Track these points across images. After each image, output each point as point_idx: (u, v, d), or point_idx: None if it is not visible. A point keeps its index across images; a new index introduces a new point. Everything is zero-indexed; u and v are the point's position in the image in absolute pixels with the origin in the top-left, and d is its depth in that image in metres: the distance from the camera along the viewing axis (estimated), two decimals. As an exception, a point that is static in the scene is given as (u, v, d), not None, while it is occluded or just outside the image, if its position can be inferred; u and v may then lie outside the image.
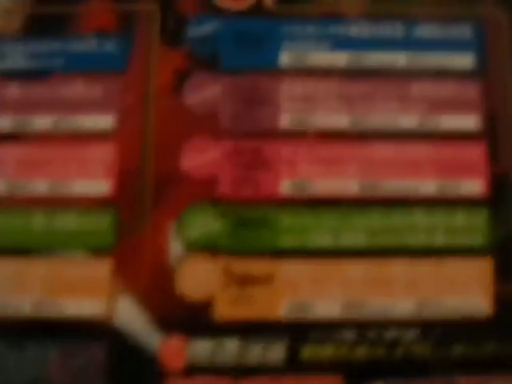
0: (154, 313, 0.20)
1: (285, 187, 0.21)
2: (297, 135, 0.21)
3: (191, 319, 0.20)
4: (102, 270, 0.20)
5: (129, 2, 0.22)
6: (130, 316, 0.20)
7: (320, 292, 0.20)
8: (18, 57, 0.22)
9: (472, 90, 0.22)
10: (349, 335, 0.20)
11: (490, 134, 0.22)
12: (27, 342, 0.20)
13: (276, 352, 0.20)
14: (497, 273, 0.21)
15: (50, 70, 0.22)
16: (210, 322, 0.20)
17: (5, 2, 0.23)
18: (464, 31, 0.23)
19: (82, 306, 0.20)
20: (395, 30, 0.22)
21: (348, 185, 0.21)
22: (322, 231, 0.21)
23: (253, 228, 0.21)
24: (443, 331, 0.20)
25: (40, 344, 0.20)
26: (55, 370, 0.20)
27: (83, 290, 0.20)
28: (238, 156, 0.21)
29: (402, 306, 0.20)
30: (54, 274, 0.20)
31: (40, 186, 0.21)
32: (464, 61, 0.22)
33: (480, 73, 0.22)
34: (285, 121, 0.21)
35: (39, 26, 0.23)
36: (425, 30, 0.22)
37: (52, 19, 0.23)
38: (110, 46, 0.22)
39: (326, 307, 0.20)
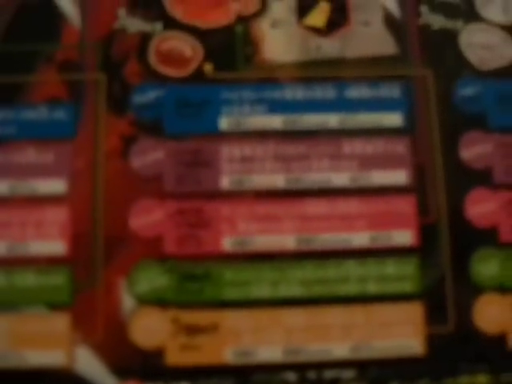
0: (110, 361, 0.34)
1: (226, 244, 0.36)
2: (236, 195, 0.36)
3: (144, 366, 0.34)
4: (60, 323, 0.35)
5: (77, 71, 0.38)
6: (88, 365, 0.34)
7: (261, 339, 0.35)
8: None
9: (401, 147, 0.37)
10: (290, 377, 0.35)
11: (418, 188, 0.37)
12: None
13: None
14: (427, 315, 0.36)
15: (3, 137, 0.37)
16: (162, 368, 0.34)
17: None
18: (393, 91, 0.38)
19: (44, 357, 0.34)
20: (327, 92, 0.38)
21: (285, 240, 0.36)
22: (261, 283, 0.35)
23: (197, 282, 0.35)
24: (378, 370, 0.35)
25: None
26: None
27: (44, 342, 0.34)
28: (181, 216, 0.36)
29: (339, 349, 0.35)
30: (16, 328, 0.35)
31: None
32: (393, 119, 0.38)
33: (408, 130, 0.38)
34: (225, 182, 0.36)
35: None
36: (355, 91, 0.38)
37: (3, 88, 0.38)
38: (59, 114, 0.37)
39: (268, 352, 0.35)
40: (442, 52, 0.39)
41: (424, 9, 0.40)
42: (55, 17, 0.39)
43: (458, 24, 0.40)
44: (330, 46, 0.39)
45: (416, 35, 0.40)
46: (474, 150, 0.38)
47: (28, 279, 0.36)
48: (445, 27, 0.40)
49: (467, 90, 0.39)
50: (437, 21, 0.40)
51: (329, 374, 0.35)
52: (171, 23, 0.39)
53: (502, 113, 0.39)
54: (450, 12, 0.40)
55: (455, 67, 0.39)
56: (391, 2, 0.40)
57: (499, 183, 0.38)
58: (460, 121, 0.38)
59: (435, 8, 0.40)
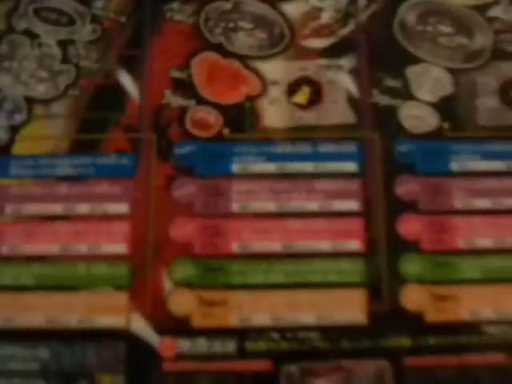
0: (154, 324, 0.47)
1: (234, 247, 0.48)
2: (242, 216, 0.49)
3: (177, 327, 0.46)
4: (122, 299, 0.48)
5: (136, 132, 0.52)
6: (140, 326, 0.47)
7: (256, 310, 0.47)
8: (65, 167, 0.51)
9: (355, 185, 0.50)
10: (274, 336, 0.46)
11: (366, 213, 0.49)
12: (74, 343, 0.47)
13: (230, 346, 0.46)
14: (369, 298, 0.47)
15: (86, 175, 0.51)
16: (189, 329, 0.46)
17: (58, 131, 0.53)
18: (351, 147, 0.51)
19: (111, 321, 0.47)
20: (305, 148, 0.51)
21: (274, 245, 0.49)
22: (257, 274, 0.48)
23: (214, 272, 0.48)
24: (334, 334, 0.47)
25: (83, 343, 0.47)
26: (93, 359, 0.48)
27: (111, 311, 0.47)
28: (205, 229, 0.48)
29: (308, 318, 0.47)
30: (93, 302, 0.48)
31: (82, 248, 0.49)
32: (350, 166, 0.51)
33: (361, 174, 0.50)
34: (234, 207, 0.49)
35: (79, 147, 0.52)
36: (325, 147, 0.51)
37: (87, 142, 0.52)
38: (124, 160, 0.51)
39: (260, 319, 0.47)
40: (386, 121, 0.52)
41: (375, 91, 0.53)
42: (122, 94, 0.53)
43: (398, 102, 0.53)
44: (309, 117, 0.52)
45: (369, 110, 0.52)
46: (405, 187, 0.50)
47: (101, 269, 0.49)
48: (389, 104, 0.52)
49: (403, 147, 0.51)
50: (384, 100, 0.52)
51: (300, 334, 0.47)
52: (201, 100, 0.52)
53: (426, 163, 0.51)
54: (393, 94, 0.53)
55: (395, 132, 0.52)
56: (352, 87, 0.53)
57: (422, 210, 0.50)
58: (396, 168, 0.50)
59: (383, 91, 0.53)
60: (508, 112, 0.53)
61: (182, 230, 0.50)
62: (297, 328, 0.48)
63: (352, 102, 0.53)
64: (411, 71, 0.54)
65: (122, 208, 0.51)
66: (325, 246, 0.50)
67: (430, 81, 0.54)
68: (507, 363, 0.47)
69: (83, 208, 0.50)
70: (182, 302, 0.49)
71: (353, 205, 0.51)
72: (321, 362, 0.47)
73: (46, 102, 0.53)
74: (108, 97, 0.53)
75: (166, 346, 0.48)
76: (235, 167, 0.51)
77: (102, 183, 0.51)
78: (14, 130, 0.52)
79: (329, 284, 0.49)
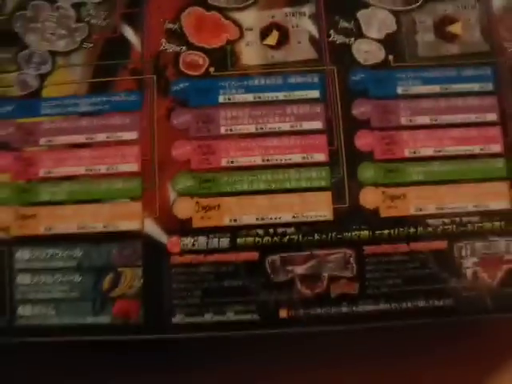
0: (163, 226, 0.49)
1: (223, 162, 0.50)
2: (229, 137, 0.50)
3: (181, 228, 0.49)
4: (136, 207, 0.50)
5: (140, 74, 0.52)
6: (151, 228, 0.50)
7: (244, 212, 0.49)
8: (85, 105, 0.52)
9: (318, 108, 0.52)
10: (260, 232, 0.49)
11: (328, 130, 0.51)
12: (101, 243, 0.50)
13: (224, 241, 0.49)
14: (334, 198, 0.49)
15: (102, 110, 0.53)
16: (191, 229, 0.49)
17: (77, 77, 0.54)
18: (313, 78, 0.52)
19: (128, 225, 0.49)
20: (277, 80, 0.51)
21: (255, 159, 0.50)
22: (243, 182, 0.50)
23: (209, 183, 0.50)
24: (307, 228, 0.49)
25: (108, 243, 0.51)
26: (116, 256, 0.51)
27: (128, 217, 0.50)
28: (199, 148, 0.50)
29: (286, 217, 0.49)
30: (113, 210, 0.50)
31: (102, 168, 0.51)
32: (314, 94, 0.52)
33: (322, 100, 0.52)
34: (222, 130, 0.50)
35: (95, 88, 0.53)
36: (293, 79, 0.52)
37: (102, 84, 0.53)
38: (132, 97, 0.52)
39: (248, 219, 0.50)
40: (342, 56, 0.52)
41: (332, 32, 0.52)
42: (126, 44, 0.52)
43: (351, 40, 0.52)
44: (279, 55, 0.52)
45: (327, 47, 0.52)
46: (360, 109, 0.51)
47: (119, 184, 0.50)
48: (344, 42, 0.52)
49: (356, 77, 0.51)
50: (339, 38, 0.52)
51: (280, 230, 0.49)
52: (191, 46, 0.52)
53: (376, 88, 0.51)
54: (346, 33, 0.52)
55: (350, 64, 0.52)
56: (313, 29, 0.53)
57: (374, 127, 0.51)
58: (352, 94, 0.51)
59: (338, 31, 0.52)
60: (442, 44, 0.53)
61: (182, 150, 0.51)
62: (277, 225, 0.49)
63: (313, 41, 0.53)
64: (361, 14, 0.53)
65: (132, 135, 0.51)
66: (296, 158, 0.51)
67: (376, 21, 0.53)
68: (447, 248, 0.49)
69: (101, 137, 0.51)
70: (184, 208, 0.50)
71: (318, 124, 0.51)
72: (297, 253, 0.49)
73: (66, 54, 0.53)
74: (115, 47, 0.53)
75: (173, 243, 0.49)
76: (221, 98, 0.52)
77: (115, 116, 0.52)
78: (42, 78, 0.52)
79: (301, 189, 0.50)
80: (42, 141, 0.51)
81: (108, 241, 0.49)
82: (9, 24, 0.53)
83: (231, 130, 0.51)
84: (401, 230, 0.49)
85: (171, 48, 0.53)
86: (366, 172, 0.50)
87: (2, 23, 0.54)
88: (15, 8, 0.54)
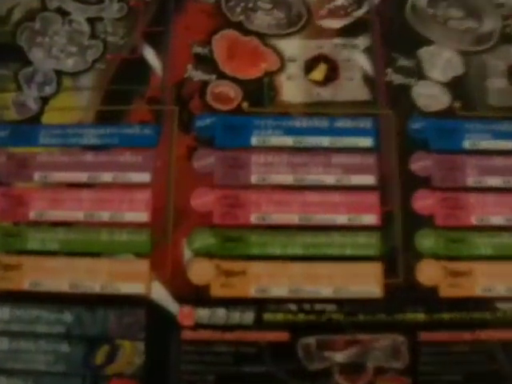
0: (173, 292, 0.38)
1: (253, 218, 0.39)
2: (260, 187, 0.40)
3: (196, 296, 0.38)
4: (142, 266, 0.39)
5: (159, 104, 0.42)
6: (159, 294, 0.38)
7: (274, 281, 0.38)
8: (91, 136, 0.41)
9: (371, 160, 0.41)
10: (292, 307, 0.38)
11: (381, 187, 0.40)
12: (96, 308, 0.38)
13: (248, 316, 0.38)
14: (385, 271, 0.39)
15: (111, 145, 0.41)
16: (208, 298, 0.38)
17: (84, 102, 0.42)
18: (366, 123, 0.41)
19: (131, 288, 0.38)
20: (322, 122, 0.41)
21: (291, 217, 0.39)
22: (275, 245, 0.39)
23: (233, 242, 0.39)
24: (351, 306, 0.38)
25: (105, 308, 0.38)
26: (114, 325, 0.38)
27: (132, 278, 0.38)
28: (224, 199, 0.39)
29: (325, 290, 0.38)
30: (114, 269, 0.39)
31: (104, 216, 0.40)
32: (366, 141, 0.41)
33: (376, 149, 0.41)
34: (253, 178, 0.40)
35: (104, 117, 0.42)
36: (341, 123, 0.41)
37: (112, 113, 0.42)
38: (147, 131, 0.41)
39: (278, 290, 0.38)
40: (400, 99, 0.42)
41: (389, 70, 0.43)
42: (146, 67, 0.43)
43: (411, 81, 0.43)
44: (325, 93, 0.43)
45: (383, 87, 0.43)
46: (420, 163, 0.41)
47: (123, 237, 0.40)
48: (402, 83, 0.43)
49: (416, 125, 0.41)
50: (397, 78, 0.43)
51: (318, 306, 0.39)
52: (221, 75, 0.43)
53: (439, 140, 0.41)
54: (406, 73, 0.43)
55: (408, 109, 0.42)
56: (367, 65, 0.43)
57: (436, 186, 0.40)
58: (410, 144, 0.41)
59: (397, 70, 0.43)
60: (517, 93, 0.42)
61: (202, 199, 0.40)
62: (314, 300, 0.39)
63: (367, 79, 0.43)
64: (424, 52, 0.44)
65: (144, 177, 0.41)
66: (341, 219, 0.40)
67: (441, 61, 0.44)
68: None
69: (107, 176, 0.41)
70: (201, 271, 0.39)
71: (369, 179, 0.41)
72: (337, 335, 0.38)
73: (74, 74, 0.43)
74: (132, 70, 0.43)
75: (186, 314, 0.38)
76: (254, 140, 0.41)
77: (126, 153, 0.41)
78: (44, 100, 0.43)
79: (345, 257, 0.39)
80: (37, 176, 0.41)
81: (105, 305, 0.39)
82: (13, 37, 0.45)
83: (264, 179, 0.41)
84: (464, 314, 0.39)
85: (198, 76, 0.43)
86: (425, 241, 0.40)
87: (5, 35, 0.45)
88: (22, 19, 0.45)
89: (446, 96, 0.42)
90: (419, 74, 0.43)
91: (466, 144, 0.42)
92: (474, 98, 0.43)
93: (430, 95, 0.43)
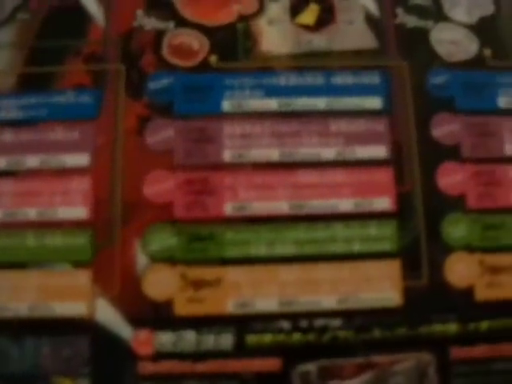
0: (125, 311, 0.29)
1: (227, 209, 0.30)
2: (237, 167, 0.30)
3: (156, 316, 0.29)
4: (82, 278, 0.29)
5: (100, 62, 0.32)
6: (107, 315, 0.29)
7: (259, 292, 0.29)
8: (10, 109, 0.31)
9: (380, 126, 0.31)
10: (285, 325, 0.29)
11: (395, 161, 0.31)
12: (24, 337, 0.29)
13: (225, 340, 0.29)
14: (404, 271, 0.30)
15: (36, 118, 0.31)
16: (171, 318, 0.29)
17: (2, 64, 0.32)
18: (373, 78, 0.32)
19: (69, 308, 0.29)
20: (316, 79, 0.32)
21: (279, 205, 0.30)
22: (259, 243, 0.30)
23: (203, 242, 0.29)
24: (362, 320, 0.29)
25: (36, 337, 0.29)
26: (49, 358, 0.28)
27: (69, 295, 0.29)
28: (188, 185, 0.30)
29: (327, 300, 0.29)
30: (45, 283, 0.29)
31: (30, 213, 0.30)
32: (373, 102, 0.32)
33: (386, 111, 0.31)
34: (227, 155, 0.30)
35: (28, 83, 0.32)
36: (340, 79, 0.32)
37: (37, 77, 0.32)
38: (84, 98, 0.31)
39: (265, 303, 0.29)
40: (415, 46, 0.33)
41: (399, 10, 0.34)
42: (82, 16, 0.33)
43: (428, 23, 0.34)
44: (318, 41, 0.33)
45: (393, 32, 0.33)
46: (444, 128, 0.32)
47: (55, 240, 0.30)
48: (417, 26, 0.34)
49: (437, 79, 0.33)
50: (411, 20, 0.34)
51: (318, 322, 0.30)
52: (181, 22, 0.33)
53: (467, 97, 0.32)
54: (422, 13, 0.34)
55: (427, 59, 0.33)
56: (371, 4, 0.34)
57: (466, 157, 0.32)
58: (431, 104, 0.32)
59: (409, 10, 0.34)
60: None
61: (160, 186, 0.30)
62: (313, 314, 0.30)
63: (371, 22, 0.34)
64: None
65: (81, 159, 0.31)
66: (345, 204, 0.31)
67: None
68: None
69: (33, 161, 0.31)
70: (161, 283, 0.29)
71: (379, 151, 0.31)
72: (346, 359, 0.29)
73: None
74: (65, 21, 0.33)
75: (142, 340, 0.29)
76: (226, 104, 0.32)
77: (57, 128, 0.31)
78: None
79: (352, 255, 0.30)
80: None
81: (36, 333, 0.29)
82: None
83: (241, 156, 0.31)
84: (507, 321, 0.30)
85: (151, 24, 0.33)
86: (455, 229, 0.31)
87: None
88: None
89: (473, 42, 0.34)
90: (438, 14, 0.34)
91: (501, 102, 0.33)
92: (508, 43, 0.34)
93: (453, 41, 0.34)
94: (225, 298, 0.29)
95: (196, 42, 0.32)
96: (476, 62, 0.33)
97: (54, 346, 0.29)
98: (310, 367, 0.29)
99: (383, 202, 0.31)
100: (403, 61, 0.33)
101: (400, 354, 0.29)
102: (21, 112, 0.31)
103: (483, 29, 0.34)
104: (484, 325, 0.30)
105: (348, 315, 0.29)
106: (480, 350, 0.30)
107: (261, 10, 0.33)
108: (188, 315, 0.29)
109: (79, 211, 0.30)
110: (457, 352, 0.30)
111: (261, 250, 0.30)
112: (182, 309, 0.29)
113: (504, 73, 0.33)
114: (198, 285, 0.29)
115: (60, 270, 0.29)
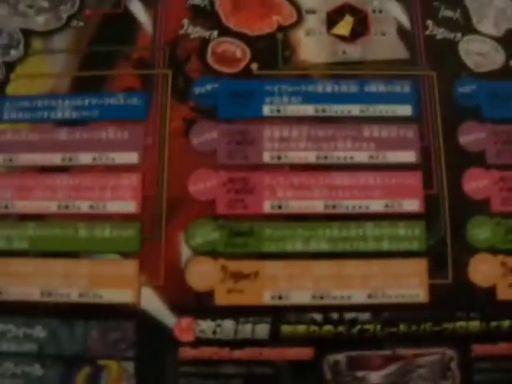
0: (169, 300, 0.31)
1: (266, 206, 0.32)
2: (275, 168, 0.32)
3: (197, 305, 0.31)
4: (129, 268, 0.31)
5: (148, 67, 0.34)
6: (151, 303, 0.30)
7: (294, 285, 0.31)
8: (65, 109, 0.33)
9: (410, 132, 0.33)
10: (317, 317, 0.31)
11: (424, 165, 0.32)
12: (74, 321, 0.31)
13: (261, 329, 0.30)
14: (430, 270, 0.31)
15: (89, 118, 0.33)
16: (211, 307, 0.30)
17: (58, 68, 0.34)
18: (404, 87, 0.33)
19: (116, 295, 0.31)
20: (350, 87, 0.33)
21: (314, 205, 0.32)
22: (295, 239, 0.31)
23: (242, 237, 0.31)
24: (389, 314, 0.31)
25: (85, 321, 0.31)
26: (96, 342, 0.30)
27: (117, 283, 0.31)
28: (230, 183, 0.32)
29: (357, 295, 0.31)
30: (95, 272, 0.31)
31: (83, 206, 0.32)
32: (404, 109, 0.33)
33: (416, 119, 0.33)
34: (266, 157, 0.32)
35: (81, 85, 0.34)
36: (373, 87, 0.33)
37: (90, 80, 0.34)
38: (133, 100, 0.33)
39: (299, 296, 0.31)
40: (444, 57, 0.35)
41: (430, 23, 0.35)
42: (132, 24, 0.35)
43: (457, 35, 0.35)
44: (353, 51, 0.35)
45: (423, 43, 0.35)
46: (470, 136, 0.33)
47: (105, 232, 0.32)
48: (447, 38, 0.35)
49: (465, 88, 0.34)
50: (440, 32, 0.35)
51: (348, 315, 0.31)
52: (225, 31, 0.35)
53: (494, 107, 0.34)
54: (451, 25, 0.35)
55: (455, 70, 0.34)
56: (403, 17, 0.35)
57: (491, 164, 0.33)
58: (459, 113, 0.34)
59: (439, 22, 0.35)
60: None
61: (203, 184, 0.32)
62: (343, 307, 0.31)
63: (403, 34, 0.35)
64: (471, 0, 0.36)
65: (131, 158, 0.33)
66: (376, 205, 0.32)
67: (493, 11, 0.36)
68: None
69: (85, 158, 0.33)
70: (202, 274, 0.31)
71: (409, 156, 0.33)
72: (373, 351, 0.31)
73: (46, 34, 0.35)
74: (116, 28, 0.35)
75: (184, 328, 0.31)
76: (267, 109, 0.33)
77: (108, 128, 0.33)
78: (9, 67, 0.35)
79: (382, 253, 0.32)
80: (0, 159, 0.33)
81: (85, 317, 0.31)
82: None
83: (280, 157, 0.33)
84: None
85: (196, 32, 0.35)
86: (480, 231, 0.32)
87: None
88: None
89: (500, 53, 0.35)
90: (466, 26, 0.36)
91: (527, 111, 0.34)
92: (535, 54, 0.35)
93: (481, 52, 0.35)
94: (262, 290, 0.31)
95: (238, 50, 0.34)
96: (502, 73, 0.35)
97: (102, 330, 0.31)
98: (340, 357, 0.31)
99: (412, 204, 0.32)
100: (432, 71, 0.34)
101: (424, 349, 0.31)
102: (75, 112, 0.33)
103: (510, 41, 0.35)
104: (505, 323, 0.31)
105: (376, 310, 0.31)
106: (501, 348, 0.31)
107: (299, 21, 0.35)
108: (227, 305, 0.31)
109: (128, 205, 0.32)
110: (479, 349, 0.31)
111: (296, 246, 0.31)
112: (221, 299, 0.31)
113: (530, 83, 0.34)
114: (238, 277, 0.31)
115: (109, 259, 0.31)
